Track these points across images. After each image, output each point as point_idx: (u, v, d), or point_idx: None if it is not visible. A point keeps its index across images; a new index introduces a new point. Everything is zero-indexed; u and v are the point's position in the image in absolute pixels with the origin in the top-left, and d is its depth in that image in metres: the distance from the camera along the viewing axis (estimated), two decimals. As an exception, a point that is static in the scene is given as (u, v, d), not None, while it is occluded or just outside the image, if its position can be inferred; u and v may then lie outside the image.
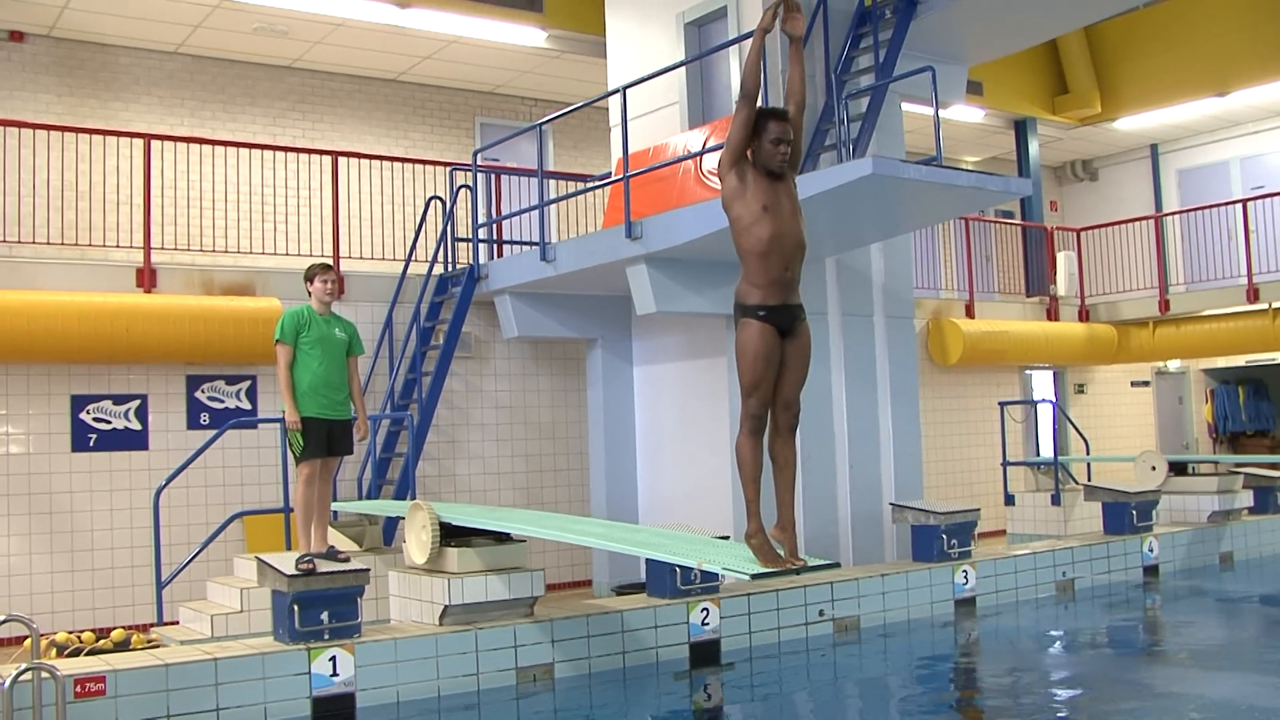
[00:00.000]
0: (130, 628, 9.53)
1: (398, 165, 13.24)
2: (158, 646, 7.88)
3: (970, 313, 16.02)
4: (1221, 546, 12.47)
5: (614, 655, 7.93)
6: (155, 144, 11.20)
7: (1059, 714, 7.24)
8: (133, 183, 11.49)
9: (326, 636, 6.99)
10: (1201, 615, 10.55)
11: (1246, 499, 13.00)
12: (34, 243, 10.91)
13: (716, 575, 8.43)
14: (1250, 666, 8.31)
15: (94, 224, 11.42)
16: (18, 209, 10.96)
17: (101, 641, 8.84)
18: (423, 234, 12.16)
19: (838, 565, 6.66)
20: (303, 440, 7.78)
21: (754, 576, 6.06)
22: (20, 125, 10.87)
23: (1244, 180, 19.04)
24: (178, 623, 8.96)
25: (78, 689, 6.26)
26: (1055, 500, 12.83)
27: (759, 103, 6.14)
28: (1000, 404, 14.03)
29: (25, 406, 10.16)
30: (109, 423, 10.45)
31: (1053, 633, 9.92)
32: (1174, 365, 19.27)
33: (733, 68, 10.94)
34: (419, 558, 7.64)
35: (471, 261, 11.79)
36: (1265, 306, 15.89)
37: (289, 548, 8.80)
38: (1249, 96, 17.37)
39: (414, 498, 9.52)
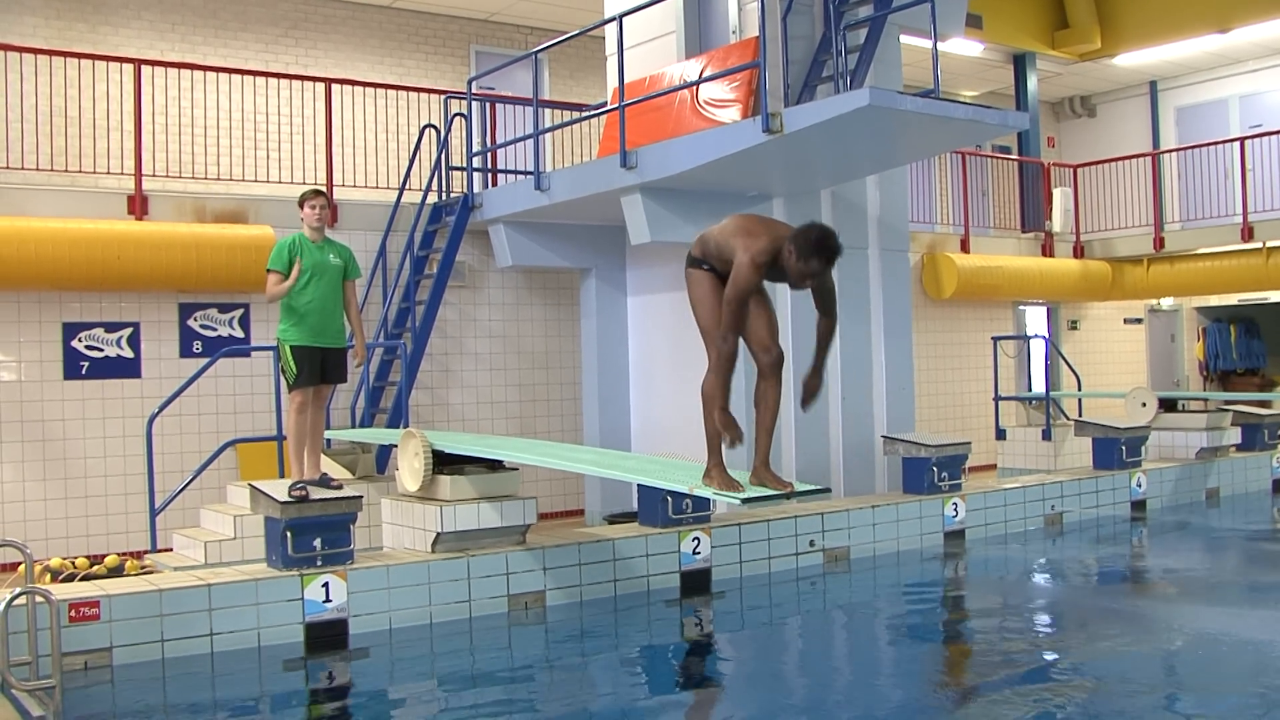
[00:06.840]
0: (124, 554, 9.60)
1: (392, 93, 13.11)
2: (152, 572, 7.93)
3: (965, 247, 15.99)
4: (1208, 482, 12.57)
5: (605, 583, 7.99)
6: (146, 69, 11.06)
7: (1045, 643, 7.32)
8: (123, 108, 11.34)
9: (319, 563, 7.03)
10: (1187, 549, 10.64)
11: (1234, 436, 13.09)
12: (23, 169, 10.79)
13: (708, 505, 8.49)
14: (1233, 599, 8.41)
15: (84, 150, 11.28)
16: (5, 134, 10.82)
17: (95, 567, 8.90)
18: (417, 162, 12.06)
19: (828, 491, 6.71)
20: (295, 367, 7.79)
21: (745, 501, 6.11)
22: (7, 49, 10.68)
23: (1242, 118, 18.92)
24: (171, 549, 9.01)
25: (72, 613, 6.30)
26: (1046, 435, 12.89)
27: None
28: (993, 339, 14.07)
29: (16, 334, 10.12)
30: (101, 350, 10.42)
31: (1040, 565, 10.01)
32: (1167, 303, 19.30)
33: (730, -4, 10.82)
34: (412, 485, 7.66)
35: (466, 190, 11.72)
36: (1259, 245, 15.88)
37: (282, 475, 8.83)
38: (1249, 34, 17.20)
39: (407, 426, 9.55)
